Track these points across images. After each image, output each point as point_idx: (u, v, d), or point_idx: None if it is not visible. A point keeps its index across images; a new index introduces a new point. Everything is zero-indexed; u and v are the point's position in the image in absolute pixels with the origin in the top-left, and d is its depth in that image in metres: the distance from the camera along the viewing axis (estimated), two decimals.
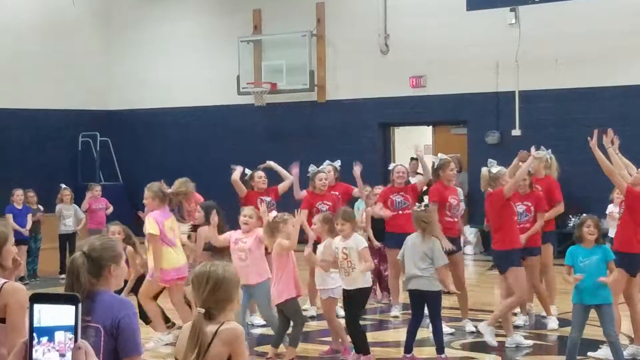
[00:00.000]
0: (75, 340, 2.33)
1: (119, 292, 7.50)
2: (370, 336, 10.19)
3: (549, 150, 11.73)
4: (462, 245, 12.65)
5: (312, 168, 12.66)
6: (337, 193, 12.75)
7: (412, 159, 19.30)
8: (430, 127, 21.39)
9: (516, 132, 18.51)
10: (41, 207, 16.90)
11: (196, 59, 22.68)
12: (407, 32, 19.73)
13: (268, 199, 12.26)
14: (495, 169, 10.13)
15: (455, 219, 11.40)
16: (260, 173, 12.52)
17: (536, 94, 18.26)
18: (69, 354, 2.33)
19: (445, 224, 11.23)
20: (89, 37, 23.91)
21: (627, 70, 17.34)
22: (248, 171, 12.61)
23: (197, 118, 22.64)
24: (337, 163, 13.17)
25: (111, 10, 24.21)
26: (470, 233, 17.38)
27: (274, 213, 10.03)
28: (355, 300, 9.33)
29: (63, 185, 17.22)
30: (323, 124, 20.79)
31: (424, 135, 22.04)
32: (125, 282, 9.06)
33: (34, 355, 2.34)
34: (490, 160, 10.47)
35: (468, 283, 15.57)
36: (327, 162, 13.23)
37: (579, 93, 17.83)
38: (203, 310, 4.27)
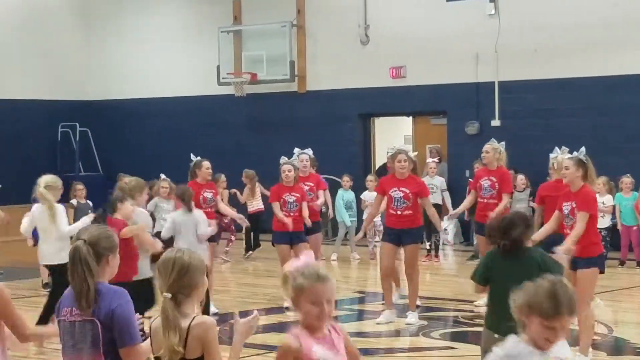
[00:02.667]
0: None
1: None
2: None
3: (502, 143, 11.74)
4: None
5: (283, 160, 12.22)
6: (312, 184, 12.48)
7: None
8: (410, 117, 21.43)
9: (496, 122, 18.57)
10: (90, 202, 15.71)
11: (176, 49, 22.60)
12: (387, 23, 19.73)
13: (209, 194, 11.85)
14: (568, 156, 9.42)
15: (399, 212, 10.76)
16: (207, 163, 11.89)
17: (516, 84, 18.31)
18: None
19: (389, 216, 10.92)
20: (68, 27, 23.78)
21: (606, 61, 17.40)
22: (194, 157, 12.10)
23: (177, 108, 22.56)
24: (309, 151, 12.84)
25: (90, 0, 24.09)
26: (450, 223, 17.36)
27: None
28: None
29: (163, 176, 14.98)
30: (303, 115, 20.77)
31: (404, 125, 22.08)
32: None
33: None
34: (563, 147, 10.24)
35: (448, 273, 15.67)
36: (297, 150, 13.02)
37: (558, 84, 17.88)
38: (170, 295, 4.30)
